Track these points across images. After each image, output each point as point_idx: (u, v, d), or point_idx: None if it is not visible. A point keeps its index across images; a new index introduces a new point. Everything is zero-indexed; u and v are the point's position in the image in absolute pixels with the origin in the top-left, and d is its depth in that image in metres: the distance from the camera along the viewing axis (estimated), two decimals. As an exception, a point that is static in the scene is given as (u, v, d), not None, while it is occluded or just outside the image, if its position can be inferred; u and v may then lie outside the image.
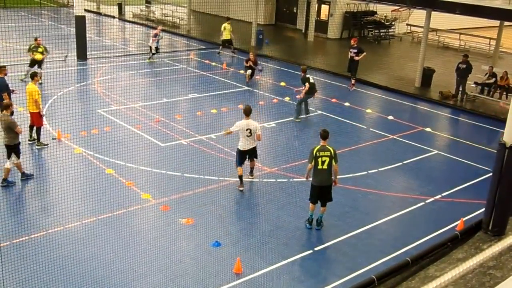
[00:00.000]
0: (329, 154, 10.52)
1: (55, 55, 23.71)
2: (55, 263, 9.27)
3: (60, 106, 16.53)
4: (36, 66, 19.34)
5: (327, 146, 10.61)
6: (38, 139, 14.15)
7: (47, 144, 14.35)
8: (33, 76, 14.08)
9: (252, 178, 13.09)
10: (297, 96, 18.69)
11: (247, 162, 12.83)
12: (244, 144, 12.49)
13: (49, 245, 9.85)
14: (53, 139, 14.75)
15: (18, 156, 12.13)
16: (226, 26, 26.31)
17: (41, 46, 19.62)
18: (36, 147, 14.12)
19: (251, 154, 12.75)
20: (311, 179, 10.85)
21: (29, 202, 11.62)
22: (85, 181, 12.44)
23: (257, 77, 22.64)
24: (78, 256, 9.61)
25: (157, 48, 24.76)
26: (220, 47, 27.11)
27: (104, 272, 9.18)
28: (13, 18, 31.37)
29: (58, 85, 18.62)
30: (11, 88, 14.95)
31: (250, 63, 21.74)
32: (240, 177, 12.50)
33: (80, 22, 23.94)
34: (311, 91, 17.94)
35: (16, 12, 34.99)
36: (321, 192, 10.75)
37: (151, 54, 24.83)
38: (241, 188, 12.47)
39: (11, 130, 11.88)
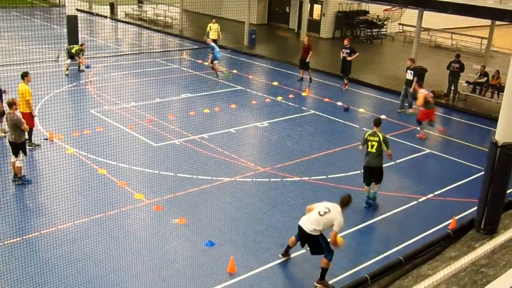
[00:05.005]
0: (377, 139, 11.77)
1: (47, 55, 23.63)
2: (47, 264, 9.24)
3: (52, 106, 16.44)
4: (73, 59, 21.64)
5: (377, 132, 11.86)
6: (30, 139, 14.06)
7: (39, 145, 14.29)
8: (24, 75, 13.97)
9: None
10: (411, 90, 19.18)
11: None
12: (305, 220, 9.23)
13: (41, 246, 9.83)
14: (45, 139, 14.69)
15: (25, 154, 12.23)
16: (211, 26, 26.14)
17: (83, 50, 21.84)
18: (28, 147, 14.02)
19: (310, 244, 9.32)
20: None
21: (21, 203, 11.55)
22: (78, 182, 12.39)
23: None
24: (71, 256, 9.56)
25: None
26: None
27: (97, 272, 9.15)
28: (4, 18, 31.19)
29: (50, 85, 18.52)
30: (2, 89, 14.89)
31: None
32: (288, 247, 9.81)
33: (72, 22, 23.87)
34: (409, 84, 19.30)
35: (8, 12, 34.79)
36: (371, 173, 11.98)
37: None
38: (282, 257, 9.87)
39: (18, 127, 11.97)
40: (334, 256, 9.03)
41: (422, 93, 16.46)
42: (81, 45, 21.99)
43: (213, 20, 26.35)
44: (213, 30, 26.01)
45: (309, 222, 9.09)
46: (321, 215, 9.04)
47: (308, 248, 9.46)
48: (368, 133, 12.03)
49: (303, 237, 9.25)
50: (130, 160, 13.57)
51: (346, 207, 9.34)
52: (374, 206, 12.12)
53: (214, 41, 26.18)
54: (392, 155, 12.29)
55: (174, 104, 19.22)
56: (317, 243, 9.15)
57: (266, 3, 38.03)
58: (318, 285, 9.14)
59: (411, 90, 19.10)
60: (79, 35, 24.86)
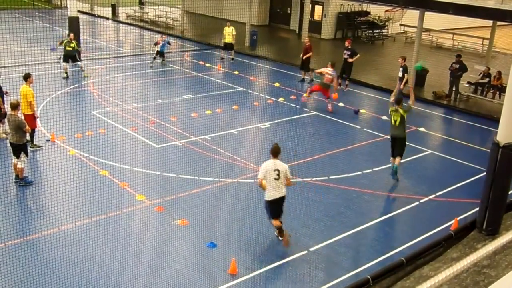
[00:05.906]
0: (400, 115, 13.23)
1: (50, 56, 23.67)
2: (49, 265, 9.25)
3: (54, 108, 16.47)
4: (70, 61, 21.29)
5: (399, 109, 13.27)
6: (32, 141, 14.09)
7: (41, 146, 14.31)
8: (27, 77, 14.01)
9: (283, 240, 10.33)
10: (401, 87, 19.74)
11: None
12: (272, 192, 9.99)
13: (43, 247, 9.84)
14: (47, 141, 14.71)
15: (27, 155, 12.28)
16: (226, 29, 25.82)
17: (73, 41, 21.20)
18: (30, 149, 14.05)
19: (281, 205, 10.23)
20: None
21: (23, 204, 11.57)
22: (79, 183, 12.41)
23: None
24: (73, 258, 9.57)
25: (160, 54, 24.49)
26: (221, 51, 26.59)
27: (98, 273, 9.16)
28: (6, 19, 31.26)
29: (52, 86, 18.56)
30: (4, 90, 14.92)
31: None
32: (279, 227, 10.20)
33: (74, 24, 23.87)
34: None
35: (10, 13, 34.86)
36: (395, 142, 13.46)
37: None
38: (281, 237, 10.33)
39: (20, 129, 12.02)
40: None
41: (324, 70, 19.10)
42: (68, 34, 21.64)
43: (228, 24, 26.06)
44: (228, 33, 25.76)
45: (280, 189, 10.04)
46: (277, 179, 10.00)
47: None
48: (392, 108, 13.50)
49: (278, 204, 10.12)
50: (132, 161, 13.59)
51: (280, 154, 10.25)
52: (396, 178, 13.43)
53: (230, 44, 26.07)
54: (413, 102, 13.94)
55: (176, 105, 19.24)
56: (283, 203, 10.25)
57: (267, 4, 38.05)
58: (283, 237, 10.22)
59: (401, 86, 19.39)
60: (81, 37, 24.86)
